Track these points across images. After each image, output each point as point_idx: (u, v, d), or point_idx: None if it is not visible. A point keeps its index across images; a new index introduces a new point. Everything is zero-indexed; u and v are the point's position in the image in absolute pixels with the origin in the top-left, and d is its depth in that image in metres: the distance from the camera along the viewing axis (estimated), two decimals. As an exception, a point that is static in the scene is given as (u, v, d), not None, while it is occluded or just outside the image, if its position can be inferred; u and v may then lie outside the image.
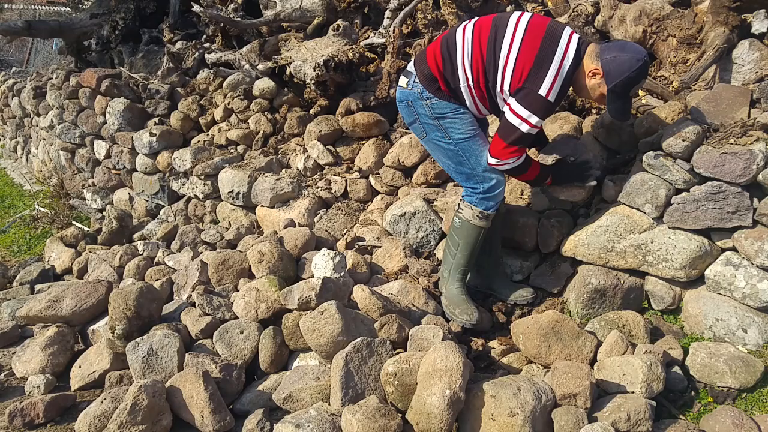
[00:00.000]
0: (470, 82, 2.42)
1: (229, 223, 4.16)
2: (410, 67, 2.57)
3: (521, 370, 2.31)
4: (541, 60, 2.25)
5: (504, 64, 2.32)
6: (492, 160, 2.43)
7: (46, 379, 2.54)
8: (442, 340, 2.19)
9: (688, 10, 3.02)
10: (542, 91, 2.25)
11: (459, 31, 2.43)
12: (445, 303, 2.66)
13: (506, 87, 2.34)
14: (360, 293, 2.52)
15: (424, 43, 3.96)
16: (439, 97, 2.46)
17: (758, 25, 2.76)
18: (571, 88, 2.44)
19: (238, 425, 2.16)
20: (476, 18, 2.46)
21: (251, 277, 2.92)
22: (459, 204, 2.60)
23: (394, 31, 3.99)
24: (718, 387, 2.21)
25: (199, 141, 4.69)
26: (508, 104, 2.33)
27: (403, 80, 2.58)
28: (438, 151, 2.60)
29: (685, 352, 2.33)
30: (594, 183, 2.63)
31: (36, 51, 12.96)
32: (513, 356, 2.37)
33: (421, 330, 2.29)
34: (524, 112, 2.29)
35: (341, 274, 2.65)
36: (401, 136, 3.74)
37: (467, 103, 2.49)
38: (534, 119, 2.29)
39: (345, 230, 3.51)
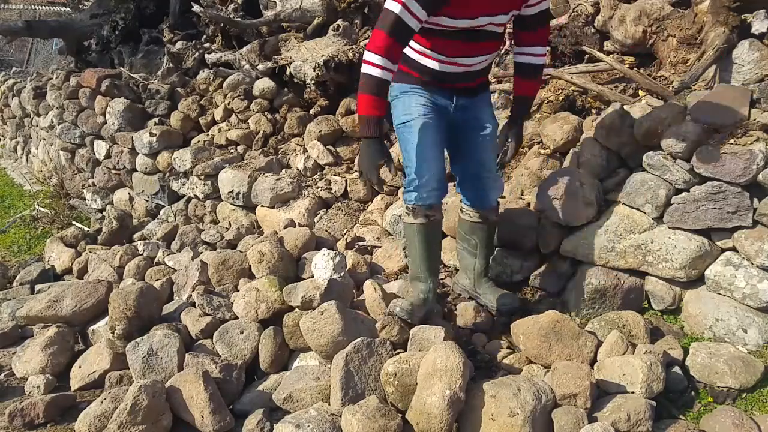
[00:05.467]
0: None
1: (229, 223, 4.15)
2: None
3: (521, 371, 2.30)
4: None
5: None
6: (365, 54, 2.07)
7: (46, 379, 2.53)
8: (443, 340, 2.20)
9: (688, 10, 3.03)
10: None
11: None
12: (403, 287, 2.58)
13: None
14: (370, 292, 2.52)
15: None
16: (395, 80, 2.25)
17: (758, 25, 2.76)
18: None
19: (238, 425, 2.16)
20: None
21: (251, 277, 2.92)
22: None
23: (394, 31, 3.98)
24: (718, 387, 2.21)
25: (199, 141, 4.69)
26: None
27: None
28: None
29: (685, 352, 2.33)
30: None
31: (36, 51, 12.93)
32: (513, 356, 2.37)
33: (422, 330, 2.29)
34: None
35: (341, 274, 2.65)
36: (401, 136, 3.73)
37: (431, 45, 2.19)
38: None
39: (345, 230, 3.51)
